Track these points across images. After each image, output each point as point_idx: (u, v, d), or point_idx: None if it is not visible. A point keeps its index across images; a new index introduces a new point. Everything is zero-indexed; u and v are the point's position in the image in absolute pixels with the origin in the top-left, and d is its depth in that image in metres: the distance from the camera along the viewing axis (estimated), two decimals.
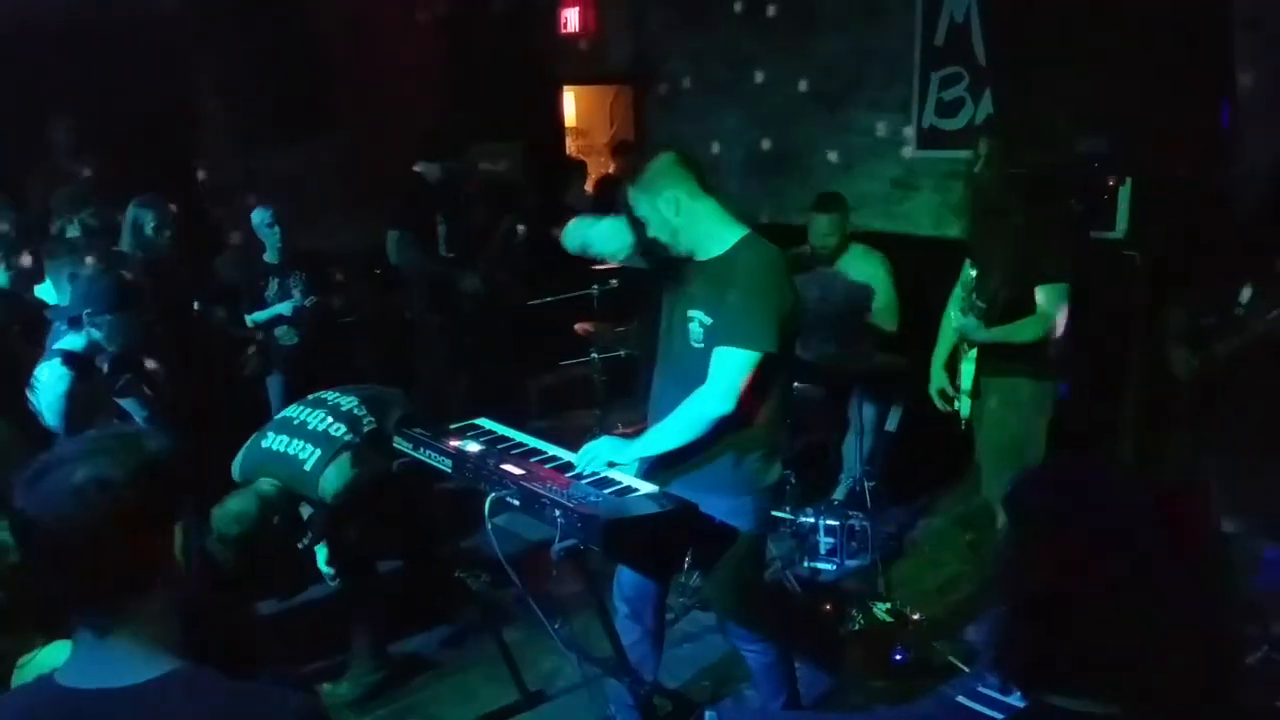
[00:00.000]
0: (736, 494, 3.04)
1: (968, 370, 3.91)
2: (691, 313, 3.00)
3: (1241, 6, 3.98)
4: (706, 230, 3.01)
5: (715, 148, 7.02)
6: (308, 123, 5.62)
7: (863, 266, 5.10)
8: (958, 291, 3.93)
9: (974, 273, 3.81)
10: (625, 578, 3.28)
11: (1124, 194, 4.25)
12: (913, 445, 5.57)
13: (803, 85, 6.36)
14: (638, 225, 3.07)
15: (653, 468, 3.06)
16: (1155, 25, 3.54)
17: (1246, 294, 3.29)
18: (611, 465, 2.99)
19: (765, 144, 6.71)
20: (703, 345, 2.97)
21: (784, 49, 6.43)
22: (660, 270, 3.19)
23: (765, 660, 3.31)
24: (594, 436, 3.21)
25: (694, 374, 2.97)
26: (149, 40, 6.29)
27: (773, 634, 3.29)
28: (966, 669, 3.72)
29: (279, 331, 5.71)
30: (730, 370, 2.87)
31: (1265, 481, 3.29)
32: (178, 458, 1.46)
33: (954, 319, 3.88)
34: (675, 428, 2.95)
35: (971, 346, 3.86)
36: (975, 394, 3.89)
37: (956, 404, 4.02)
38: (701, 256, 3.03)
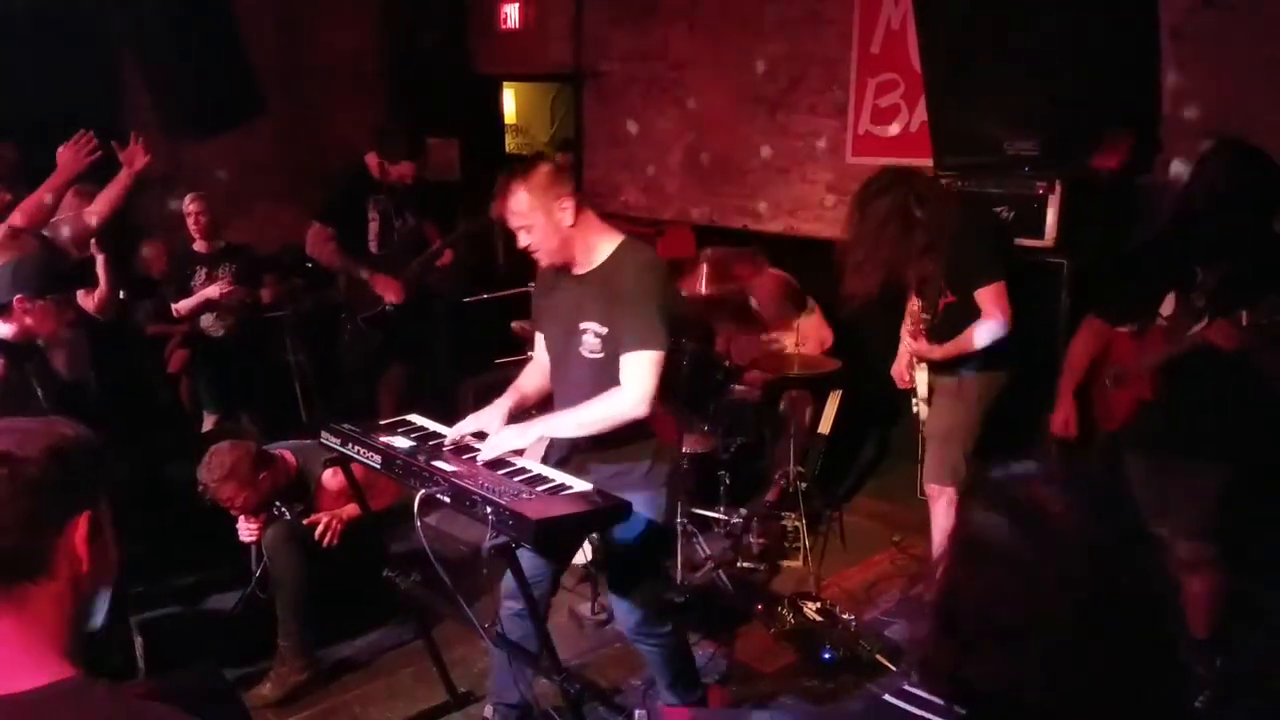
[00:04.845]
0: (653, 489, 3.08)
1: (921, 378, 4.02)
2: (584, 325, 3.00)
3: (1168, 15, 4.08)
4: (592, 240, 3.01)
5: (654, 148, 7.02)
6: (236, 115, 5.49)
7: None
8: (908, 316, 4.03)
9: (918, 299, 3.88)
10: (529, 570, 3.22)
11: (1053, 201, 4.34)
12: (844, 446, 5.64)
13: (741, 87, 6.38)
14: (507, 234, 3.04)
15: (570, 467, 3.04)
16: (1085, 31, 3.61)
17: (1169, 306, 3.31)
18: (519, 452, 2.98)
19: (703, 145, 6.72)
20: (601, 355, 2.98)
21: (723, 50, 6.45)
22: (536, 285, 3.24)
23: (665, 652, 3.33)
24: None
25: (594, 384, 2.98)
26: (75, 25, 6.13)
27: (669, 625, 3.30)
28: (894, 667, 3.77)
29: (206, 323, 5.58)
30: (643, 374, 2.89)
31: (1186, 485, 3.34)
32: (91, 449, 1.40)
33: (907, 342, 3.97)
34: (585, 421, 2.96)
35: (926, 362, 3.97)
36: (929, 399, 4.00)
37: (914, 406, 4.13)
38: (583, 268, 3.03)
